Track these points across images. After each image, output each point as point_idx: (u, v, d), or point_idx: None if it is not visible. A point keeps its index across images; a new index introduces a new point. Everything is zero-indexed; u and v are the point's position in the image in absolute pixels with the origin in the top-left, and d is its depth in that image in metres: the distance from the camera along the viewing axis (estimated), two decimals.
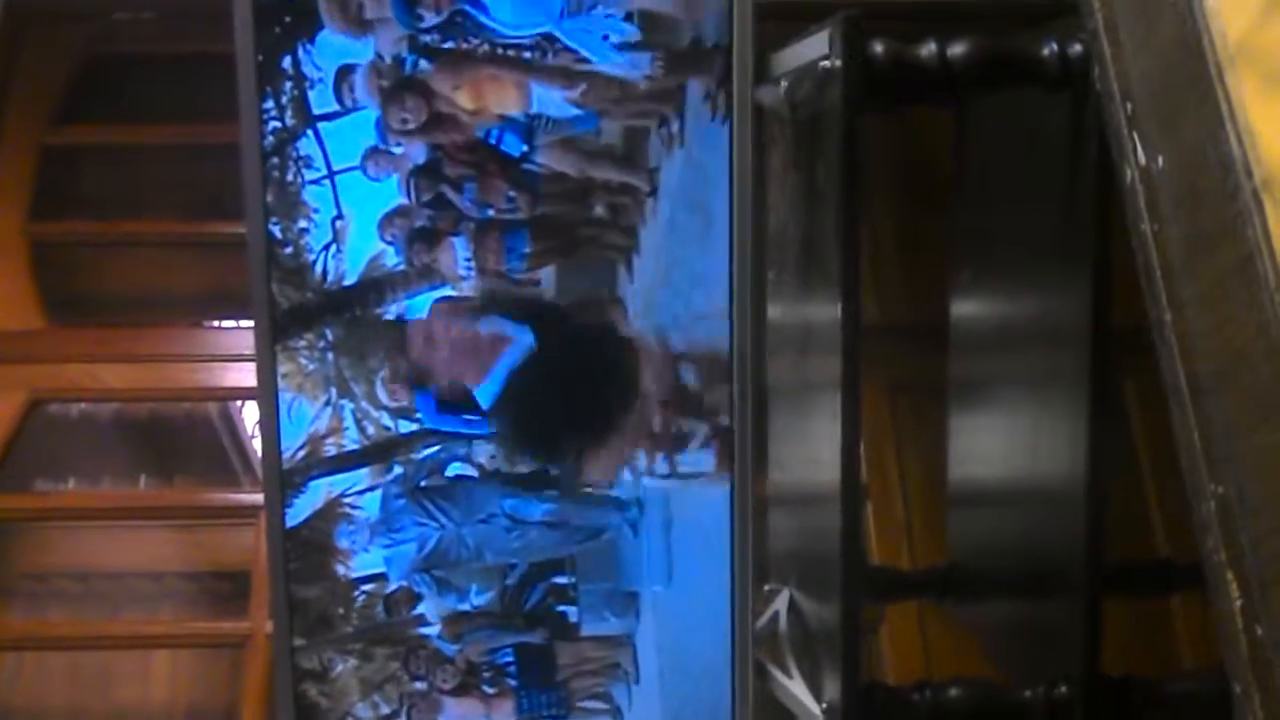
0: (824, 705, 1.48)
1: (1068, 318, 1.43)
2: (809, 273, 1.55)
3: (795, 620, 1.62)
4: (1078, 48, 1.36)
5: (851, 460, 1.42)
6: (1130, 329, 1.23)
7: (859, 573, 1.44)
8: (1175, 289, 0.98)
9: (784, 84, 1.51)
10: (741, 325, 1.56)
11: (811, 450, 1.54)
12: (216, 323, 2.56)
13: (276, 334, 1.65)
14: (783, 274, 1.66)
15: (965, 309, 1.77)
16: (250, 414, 2.50)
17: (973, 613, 1.78)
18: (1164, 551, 2.02)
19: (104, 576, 2.35)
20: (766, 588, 1.68)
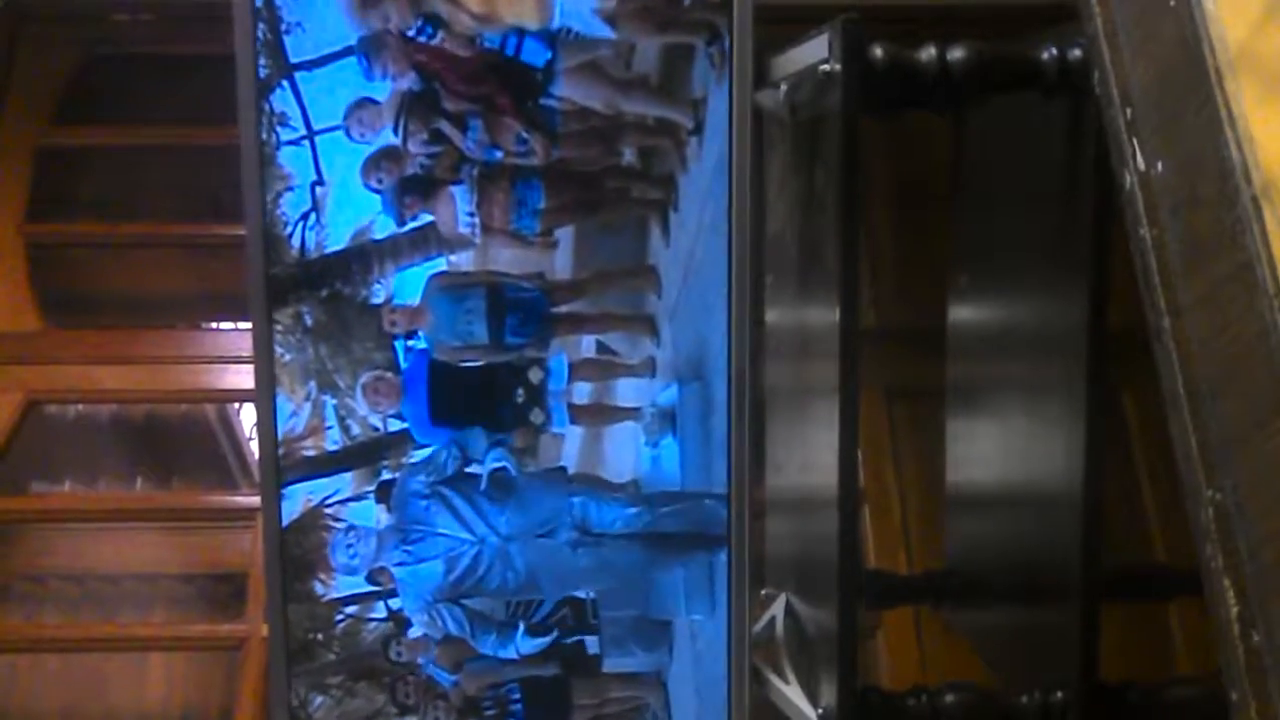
0: (820, 710, 1.48)
1: (1066, 323, 1.43)
2: (807, 277, 1.55)
3: (792, 625, 1.62)
4: (1077, 53, 1.36)
5: (849, 465, 1.42)
6: (1128, 334, 1.23)
7: (856, 578, 1.44)
8: (1174, 295, 0.97)
9: (784, 88, 1.51)
10: (740, 331, 1.55)
11: (809, 455, 1.54)
12: (214, 324, 2.56)
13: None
14: (781, 278, 1.66)
15: (963, 314, 1.77)
16: (247, 416, 2.50)
17: (970, 618, 1.78)
18: (1161, 557, 2.02)
19: (100, 578, 2.34)
20: (764, 592, 1.68)
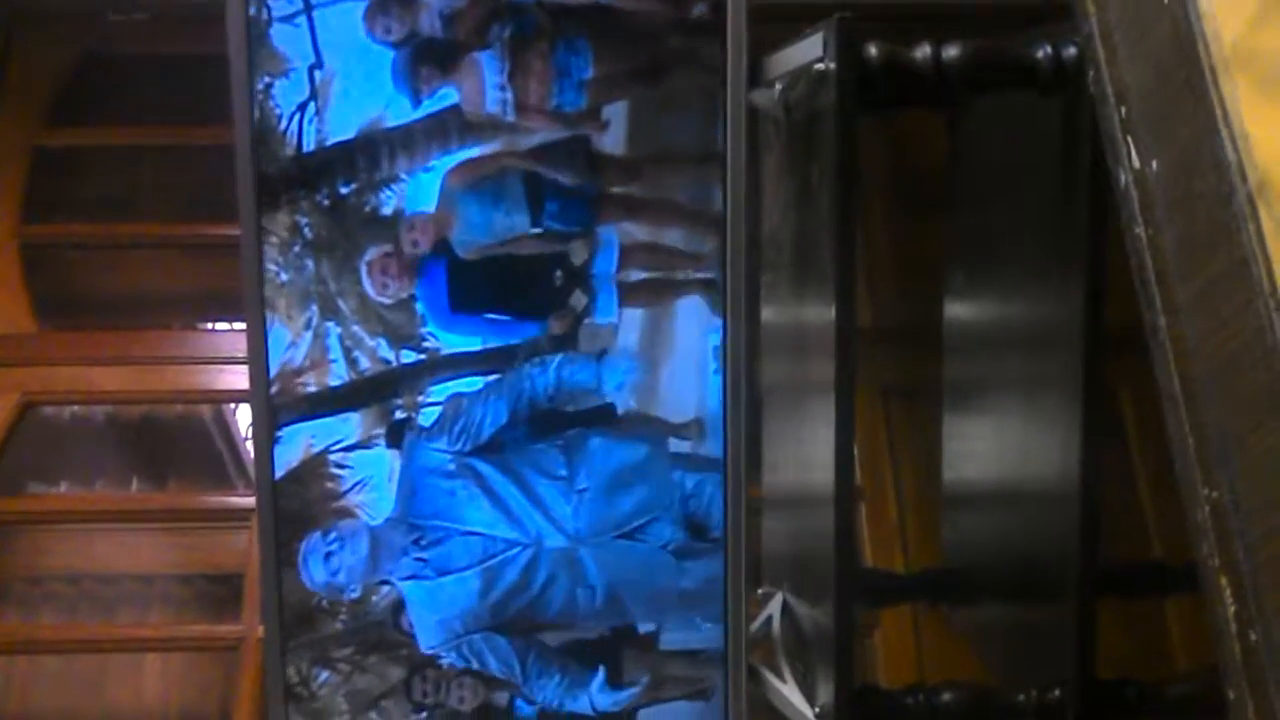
0: (817, 709, 1.48)
1: (1061, 321, 1.43)
2: (803, 275, 1.55)
3: (789, 624, 1.62)
4: (1072, 51, 1.36)
5: (846, 463, 1.42)
6: (1125, 331, 1.23)
7: (853, 576, 1.44)
8: (1169, 293, 0.97)
9: (778, 87, 1.51)
10: (735, 330, 1.55)
11: (806, 453, 1.54)
12: (210, 325, 2.56)
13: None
14: (777, 277, 1.66)
15: (959, 312, 1.77)
16: (243, 416, 2.49)
17: (966, 616, 1.78)
18: (1158, 554, 2.02)
19: (97, 579, 2.34)
20: (760, 591, 1.68)
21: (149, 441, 2.50)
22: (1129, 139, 1.05)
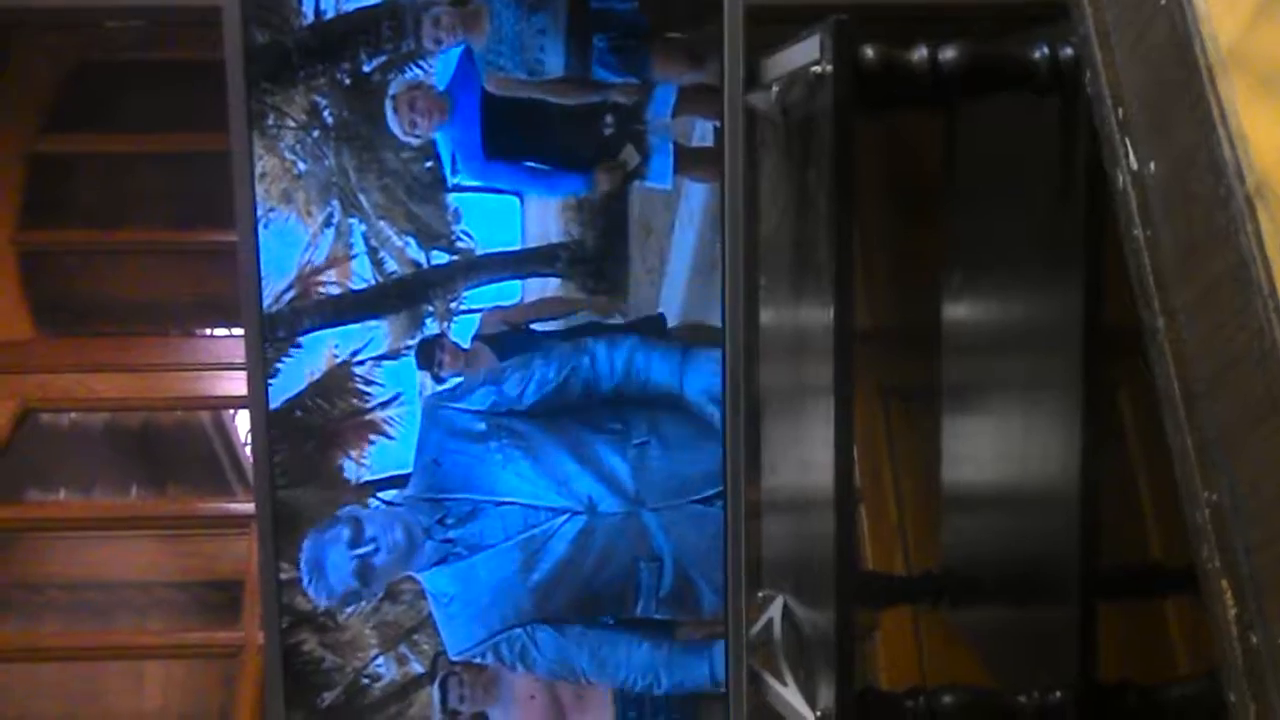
0: (818, 712, 1.47)
1: (1060, 322, 1.42)
2: (801, 277, 1.54)
3: (789, 627, 1.61)
4: (1069, 52, 1.36)
5: (845, 465, 1.42)
6: (1124, 331, 1.23)
7: (853, 578, 1.44)
8: (1168, 295, 0.97)
9: (775, 88, 1.51)
10: (734, 333, 1.55)
11: (805, 455, 1.54)
12: (208, 331, 2.56)
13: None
14: (775, 279, 1.66)
15: (958, 313, 1.76)
16: (242, 422, 2.49)
17: (967, 618, 1.78)
18: (1158, 555, 2.02)
19: (96, 586, 2.34)
20: (761, 594, 1.67)
21: (148, 448, 2.49)
22: (1126, 140, 1.05)
